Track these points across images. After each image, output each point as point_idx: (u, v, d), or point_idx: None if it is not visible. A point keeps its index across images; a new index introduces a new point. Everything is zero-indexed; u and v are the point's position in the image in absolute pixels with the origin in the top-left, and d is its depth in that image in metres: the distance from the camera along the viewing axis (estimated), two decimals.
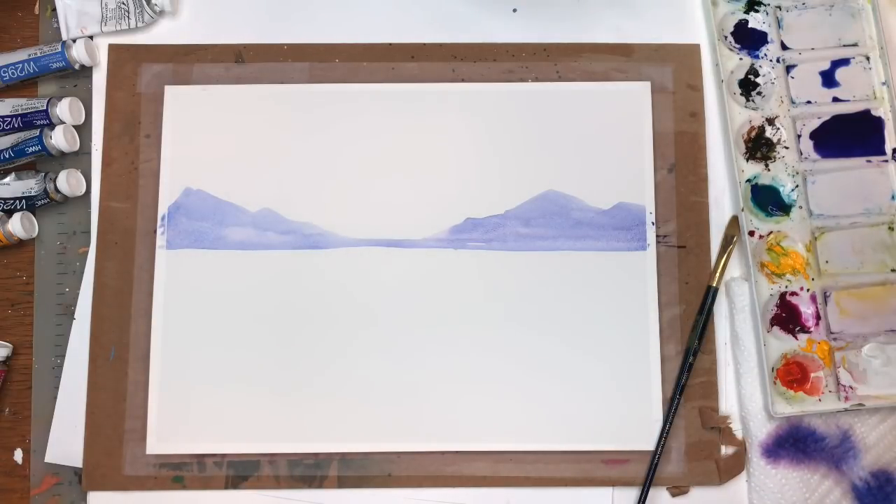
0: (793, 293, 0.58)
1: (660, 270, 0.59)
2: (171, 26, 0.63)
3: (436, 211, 0.60)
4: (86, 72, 0.62)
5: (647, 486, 0.56)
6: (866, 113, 0.60)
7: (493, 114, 0.61)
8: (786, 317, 0.57)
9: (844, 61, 0.61)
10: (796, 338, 0.57)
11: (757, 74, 0.61)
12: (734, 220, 0.59)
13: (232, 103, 0.61)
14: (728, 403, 0.58)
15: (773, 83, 0.61)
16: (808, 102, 0.60)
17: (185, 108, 0.61)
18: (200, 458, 0.57)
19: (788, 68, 0.61)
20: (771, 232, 0.59)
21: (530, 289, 0.59)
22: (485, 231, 0.59)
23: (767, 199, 0.59)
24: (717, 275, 0.58)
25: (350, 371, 0.58)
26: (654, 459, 0.56)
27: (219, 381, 0.58)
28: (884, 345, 0.57)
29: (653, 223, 0.59)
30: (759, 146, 0.60)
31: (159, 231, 0.59)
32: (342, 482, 0.57)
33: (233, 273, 0.59)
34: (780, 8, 0.62)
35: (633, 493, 0.57)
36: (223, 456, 0.57)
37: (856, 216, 0.59)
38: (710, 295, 0.58)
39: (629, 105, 0.61)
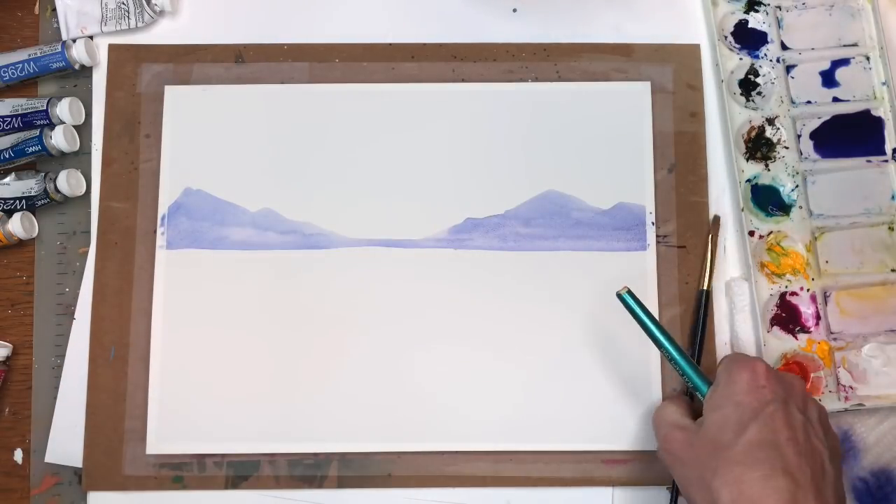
0: (793, 293, 0.58)
1: (660, 270, 0.59)
2: (171, 26, 0.63)
3: (436, 211, 0.60)
4: (86, 72, 0.62)
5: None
6: (866, 113, 0.60)
7: (493, 114, 0.61)
8: (786, 317, 0.57)
9: (844, 61, 0.61)
10: (796, 338, 0.57)
11: (757, 74, 0.61)
12: (715, 221, 0.59)
13: (232, 103, 0.61)
14: None
15: (773, 83, 0.61)
16: (808, 102, 0.60)
17: (185, 108, 0.61)
18: (200, 458, 0.57)
19: (788, 68, 0.61)
20: (771, 232, 0.59)
21: (530, 289, 0.59)
22: (485, 231, 0.59)
23: (767, 199, 0.59)
24: (706, 278, 0.58)
25: (350, 371, 0.58)
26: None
27: (219, 381, 0.58)
28: (884, 345, 0.57)
29: (653, 223, 0.59)
30: (759, 146, 0.60)
31: (159, 231, 0.59)
32: (342, 482, 0.57)
33: (233, 273, 0.59)
34: (780, 8, 0.62)
35: (633, 494, 0.57)
36: (223, 456, 0.57)
37: (856, 216, 0.59)
38: (703, 299, 0.58)
39: (629, 105, 0.61)
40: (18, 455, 0.59)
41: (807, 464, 0.45)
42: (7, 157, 0.59)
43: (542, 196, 0.60)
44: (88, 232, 0.60)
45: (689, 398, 0.55)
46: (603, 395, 0.57)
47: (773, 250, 0.58)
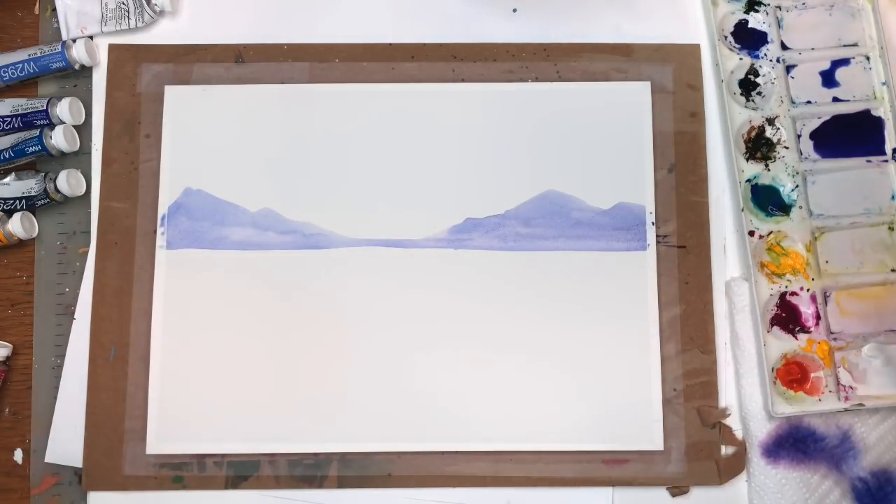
0: (793, 293, 0.58)
1: (660, 270, 0.59)
2: (171, 26, 0.63)
3: (436, 211, 0.60)
4: (86, 72, 0.62)
5: None
6: (866, 113, 0.60)
7: (493, 114, 0.61)
8: (786, 317, 0.57)
9: (844, 61, 0.61)
10: (796, 338, 0.57)
11: (757, 74, 0.61)
12: None
13: (232, 103, 0.61)
14: (728, 403, 0.58)
15: (773, 83, 0.61)
16: (808, 102, 0.60)
17: (185, 108, 0.61)
18: (200, 458, 0.57)
19: (788, 68, 0.61)
20: (771, 232, 0.59)
21: (530, 289, 0.59)
22: (485, 231, 0.59)
23: (767, 199, 0.59)
24: None
25: (350, 371, 0.58)
26: None
27: (219, 381, 0.58)
28: (884, 345, 0.57)
29: (653, 223, 0.59)
30: (759, 146, 0.60)
31: (159, 231, 0.59)
32: (342, 482, 0.57)
33: (233, 273, 0.59)
34: (780, 8, 0.62)
35: (633, 494, 0.57)
36: (223, 456, 0.57)
37: (856, 216, 0.59)
38: None
39: (629, 105, 0.61)
40: (18, 455, 0.59)
41: None
42: (7, 157, 0.59)
43: (542, 196, 0.60)
44: (88, 232, 0.60)
45: None
46: (603, 395, 0.57)
47: (773, 250, 0.58)
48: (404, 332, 0.58)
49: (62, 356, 0.59)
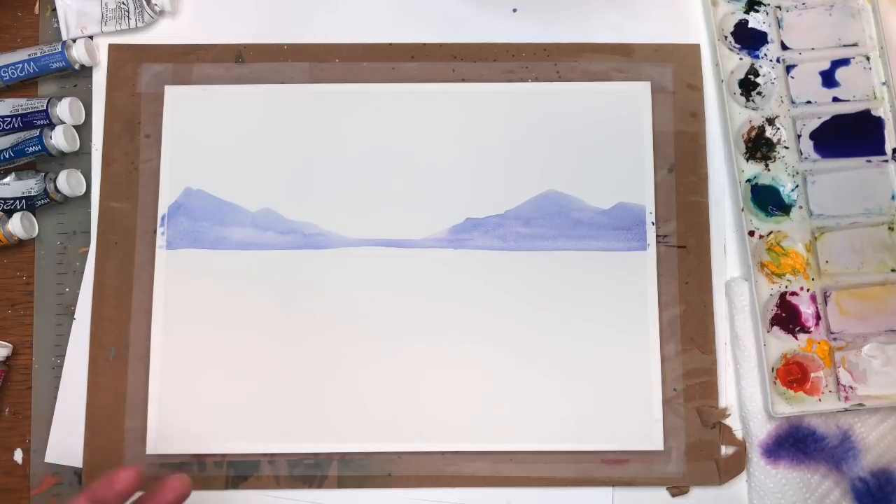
0: (793, 293, 0.58)
1: (660, 270, 0.59)
2: (171, 26, 0.63)
3: (436, 211, 0.60)
4: (86, 72, 0.62)
5: None
6: (866, 113, 0.60)
7: (493, 114, 0.61)
8: (786, 317, 0.57)
9: (844, 61, 0.61)
10: (796, 338, 0.57)
11: (757, 74, 0.61)
12: None
13: (232, 103, 0.61)
14: (728, 403, 0.58)
15: (773, 83, 0.61)
16: (808, 102, 0.60)
17: (185, 108, 0.61)
18: (200, 458, 0.57)
19: (788, 68, 0.61)
20: (771, 232, 0.59)
21: (530, 289, 0.59)
22: (485, 231, 0.59)
23: (767, 199, 0.59)
24: None
25: (350, 371, 0.58)
26: None
27: (219, 381, 0.58)
28: (884, 345, 0.57)
29: (653, 223, 0.59)
30: (759, 146, 0.60)
31: (159, 231, 0.59)
32: (342, 482, 0.57)
33: (233, 273, 0.59)
34: (780, 8, 0.62)
35: (633, 494, 0.57)
36: (223, 456, 0.57)
37: (856, 216, 0.59)
38: None
39: (629, 105, 0.61)
40: (18, 455, 0.59)
41: None
42: (7, 157, 0.59)
43: (542, 196, 0.60)
44: (88, 232, 0.60)
45: None
46: (603, 395, 0.57)
47: (773, 250, 0.58)
48: (404, 332, 0.58)
49: (62, 356, 0.59)
